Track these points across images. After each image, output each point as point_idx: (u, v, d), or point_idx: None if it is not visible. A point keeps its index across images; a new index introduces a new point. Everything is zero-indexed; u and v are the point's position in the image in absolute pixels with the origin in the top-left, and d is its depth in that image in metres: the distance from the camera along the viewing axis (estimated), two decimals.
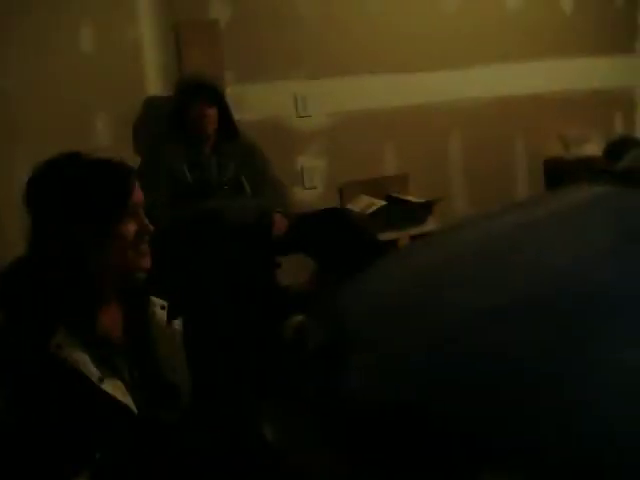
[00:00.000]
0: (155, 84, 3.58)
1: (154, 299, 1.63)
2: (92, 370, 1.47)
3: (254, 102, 3.76)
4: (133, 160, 3.41)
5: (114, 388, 1.50)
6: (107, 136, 3.45)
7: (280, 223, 3.26)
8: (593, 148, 4.46)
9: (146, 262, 1.56)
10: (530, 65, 4.53)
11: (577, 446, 1.23)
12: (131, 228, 1.52)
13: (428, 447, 1.38)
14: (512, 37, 4.49)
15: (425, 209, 3.95)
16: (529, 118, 4.58)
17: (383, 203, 3.91)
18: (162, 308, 1.63)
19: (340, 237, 3.22)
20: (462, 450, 1.32)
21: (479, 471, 1.28)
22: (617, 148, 2.83)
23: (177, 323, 1.65)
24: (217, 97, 3.31)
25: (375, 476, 1.47)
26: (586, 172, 4.00)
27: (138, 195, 1.54)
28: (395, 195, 4.04)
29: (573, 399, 1.28)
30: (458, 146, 4.42)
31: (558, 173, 4.53)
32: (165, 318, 1.63)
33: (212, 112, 3.29)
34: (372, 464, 1.49)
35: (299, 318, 2.14)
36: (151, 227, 1.56)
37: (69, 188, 1.48)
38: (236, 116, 3.42)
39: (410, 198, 4.02)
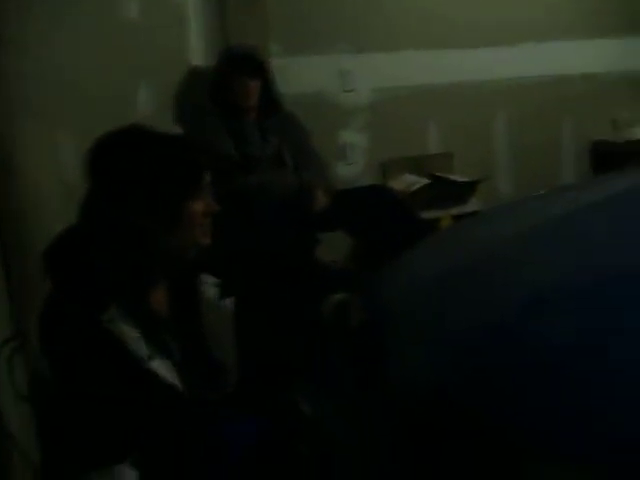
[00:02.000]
0: (198, 53, 3.53)
1: (205, 277, 1.61)
2: (142, 347, 1.45)
3: (298, 75, 3.71)
4: (176, 132, 3.40)
5: (163, 367, 1.48)
6: (149, 106, 3.41)
7: (321, 199, 3.21)
8: None
9: (207, 239, 1.55)
10: (581, 44, 4.43)
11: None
12: (200, 207, 1.50)
13: (467, 435, 1.34)
14: (563, 15, 4.38)
15: (469, 189, 3.89)
16: (578, 98, 4.48)
17: (426, 181, 3.85)
18: (214, 286, 1.61)
19: (382, 215, 3.17)
20: (506, 441, 1.28)
21: (522, 461, 1.24)
22: None
23: (229, 301, 1.63)
24: (261, 70, 3.26)
25: (413, 462, 1.44)
26: (637, 156, 3.91)
27: (206, 173, 1.53)
28: (438, 174, 3.98)
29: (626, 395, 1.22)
30: (504, 125, 4.34)
31: (606, 156, 4.44)
32: (216, 296, 1.61)
33: (255, 85, 3.24)
34: (410, 448, 1.45)
35: (340, 296, 2.11)
36: (216, 206, 1.54)
37: (145, 161, 1.45)
38: (280, 89, 3.37)
39: (454, 177, 3.96)
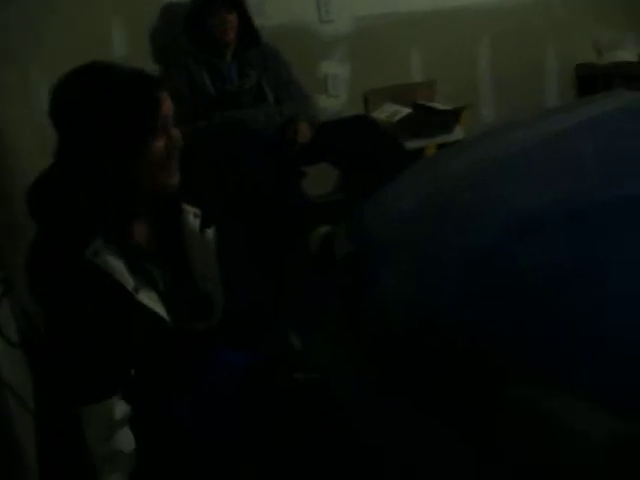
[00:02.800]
0: None
1: (187, 207, 1.59)
2: (127, 279, 1.45)
3: (274, 7, 3.63)
4: (152, 70, 3.34)
5: (149, 298, 1.49)
6: (124, 45, 3.35)
7: (304, 131, 3.18)
8: (628, 53, 4.31)
9: (175, 179, 1.51)
10: None
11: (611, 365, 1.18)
12: (161, 143, 1.46)
13: (454, 362, 1.35)
14: None
15: (453, 117, 3.85)
16: (560, 22, 4.42)
17: (409, 111, 3.81)
18: (195, 216, 1.60)
19: (365, 145, 3.15)
20: (491, 365, 1.29)
21: (506, 385, 1.25)
22: None
23: (210, 232, 1.62)
24: (236, 2, 3.19)
25: (400, 392, 1.45)
26: (622, 78, 3.89)
27: (167, 107, 1.47)
28: (422, 102, 3.93)
29: (614, 321, 1.23)
30: (487, 52, 4.29)
31: (591, 79, 4.40)
32: (198, 226, 1.60)
33: (232, 18, 3.18)
34: (397, 379, 1.46)
35: (325, 228, 2.11)
36: (180, 140, 1.50)
37: (96, 101, 1.41)
38: (257, 22, 3.31)
39: (437, 105, 3.91)
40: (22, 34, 3.01)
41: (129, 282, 1.45)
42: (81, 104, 1.42)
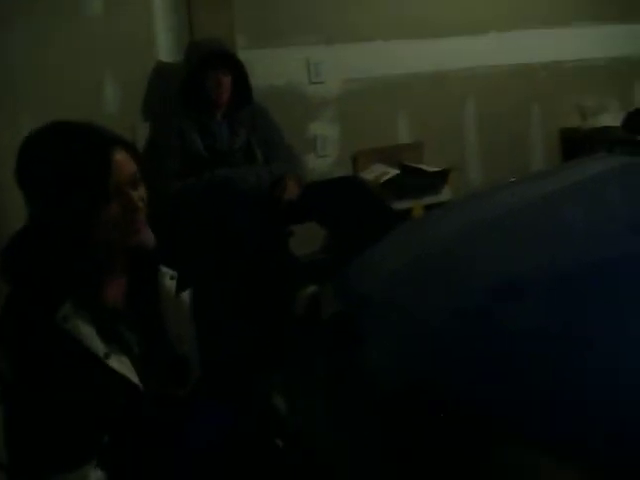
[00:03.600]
0: (165, 48, 3.50)
1: (164, 269, 1.57)
2: (98, 345, 1.42)
3: (266, 67, 3.68)
4: (142, 127, 3.36)
5: (120, 364, 1.45)
6: (116, 102, 3.37)
7: (292, 188, 3.20)
8: (611, 118, 4.38)
9: (140, 237, 1.47)
10: (548, 32, 4.46)
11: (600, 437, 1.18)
12: (115, 209, 1.42)
13: (441, 424, 1.34)
14: (530, 4, 4.40)
15: (440, 178, 3.89)
16: (546, 87, 4.52)
17: (397, 172, 3.85)
18: (171, 278, 1.57)
19: (353, 206, 3.17)
20: (478, 428, 1.28)
21: (495, 449, 1.24)
22: (636, 119, 2.75)
23: (186, 295, 1.60)
24: (233, 65, 3.24)
25: (388, 453, 1.43)
26: (604, 143, 3.94)
27: (123, 169, 1.42)
28: (409, 164, 3.98)
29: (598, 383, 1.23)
30: (473, 114, 4.36)
31: (575, 143, 4.48)
32: (174, 289, 1.58)
33: (227, 80, 3.22)
34: (384, 440, 1.45)
35: (312, 288, 2.10)
36: (139, 203, 1.45)
37: (48, 166, 1.41)
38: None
39: (424, 167, 3.96)
40: (13, 83, 3.03)
41: (100, 348, 1.42)
42: (36, 167, 1.42)
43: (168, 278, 1.57)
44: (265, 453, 1.56)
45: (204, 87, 3.21)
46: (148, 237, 1.50)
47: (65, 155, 1.41)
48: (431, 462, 1.33)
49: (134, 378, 1.47)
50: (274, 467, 1.55)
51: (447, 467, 1.29)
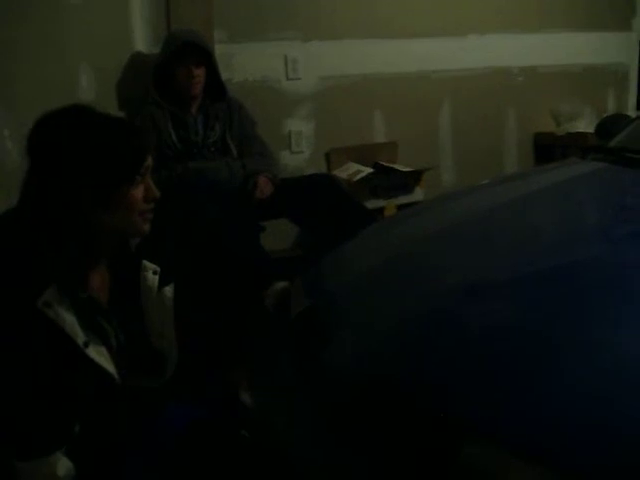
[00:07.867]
0: (142, 39, 3.46)
1: (147, 263, 1.58)
2: (78, 333, 1.41)
3: (243, 62, 3.68)
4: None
5: (98, 354, 1.45)
6: (91, 92, 3.35)
7: (265, 186, 3.20)
8: (584, 124, 4.43)
9: (147, 227, 1.51)
10: (525, 37, 4.49)
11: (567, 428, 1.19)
12: (140, 192, 1.47)
13: (404, 419, 1.35)
14: (508, 8, 4.43)
15: (413, 179, 3.91)
16: (522, 91, 4.55)
17: (370, 171, 3.86)
18: (154, 273, 1.58)
19: (325, 203, 3.18)
20: (445, 424, 1.29)
21: (462, 444, 1.25)
22: (609, 125, 2.80)
23: (168, 289, 1.60)
24: (206, 57, 3.23)
25: (353, 447, 1.44)
26: (577, 148, 3.99)
27: (149, 159, 1.49)
28: (383, 163, 3.99)
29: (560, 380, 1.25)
30: (449, 116, 4.37)
31: (548, 148, 4.53)
32: (156, 283, 1.58)
33: (200, 72, 3.21)
34: (350, 435, 1.46)
35: (282, 284, 2.11)
36: (157, 193, 1.50)
37: (83, 143, 1.40)
38: (224, 76, 3.35)
39: (398, 167, 3.97)
40: None
41: (79, 336, 1.41)
42: (68, 142, 1.40)
43: (151, 273, 1.58)
44: (231, 443, 1.56)
45: (176, 78, 3.20)
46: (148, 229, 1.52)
47: (102, 134, 1.42)
48: (399, 462, 1.34)
49: (111, 369, 1.47)
50: (240, 456, 1.55)
51: (416, 467, 1.30)
